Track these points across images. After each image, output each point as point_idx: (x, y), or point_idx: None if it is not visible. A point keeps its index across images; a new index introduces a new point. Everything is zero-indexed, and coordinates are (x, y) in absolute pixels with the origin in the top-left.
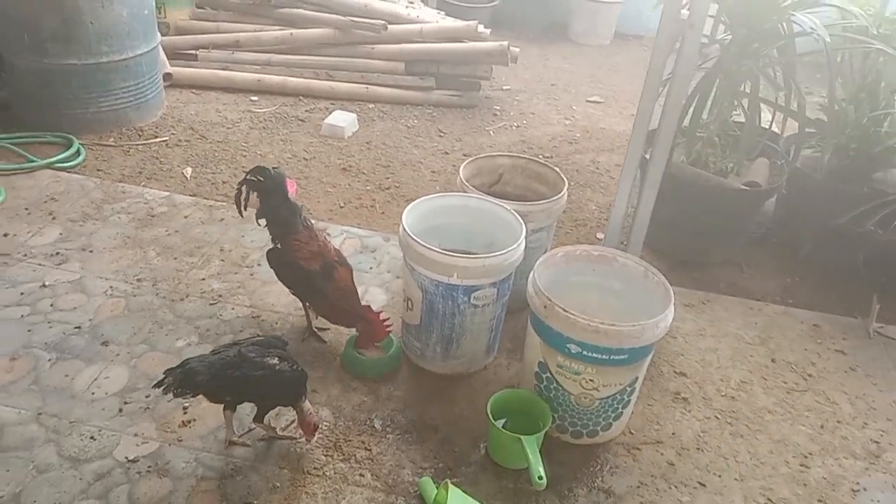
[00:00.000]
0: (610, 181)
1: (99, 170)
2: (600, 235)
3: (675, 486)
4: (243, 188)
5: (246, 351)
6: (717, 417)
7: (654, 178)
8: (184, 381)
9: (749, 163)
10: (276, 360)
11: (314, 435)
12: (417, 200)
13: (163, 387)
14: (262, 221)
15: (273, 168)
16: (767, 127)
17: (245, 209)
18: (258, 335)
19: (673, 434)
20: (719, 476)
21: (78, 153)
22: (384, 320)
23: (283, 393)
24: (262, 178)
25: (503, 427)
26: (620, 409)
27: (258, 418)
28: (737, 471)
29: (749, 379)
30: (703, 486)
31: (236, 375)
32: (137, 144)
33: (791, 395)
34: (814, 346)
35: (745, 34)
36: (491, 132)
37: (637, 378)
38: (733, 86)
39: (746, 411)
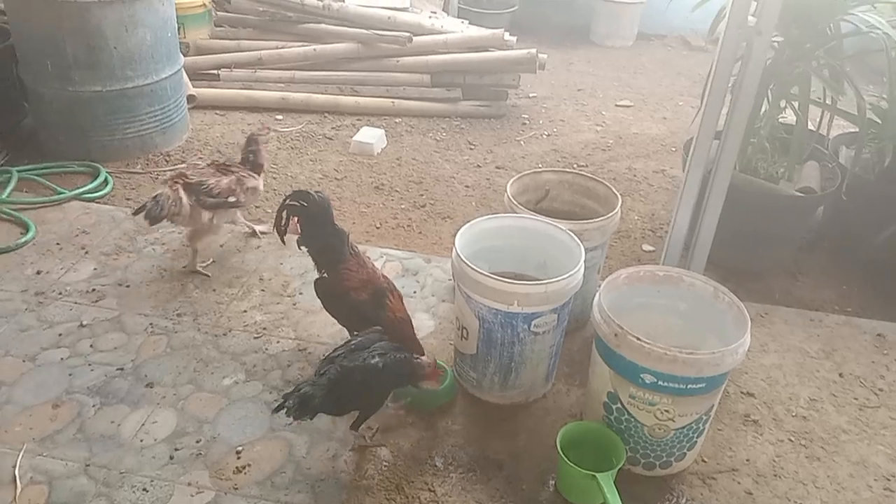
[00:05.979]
0: (649, 189)
1: (128, 198)
2: (647, 247)
3: None
4: (284, 214)
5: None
6: (791, 440)
7: (720, 189)
8: (301, 406)
9: (799, 167)
10: (376, 359)
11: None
12: (469, 223)
13: (282, 410)
14: (304, 248)
15: (316, 192)
16: (814, 130)
17: (285, 235)
18: (351, 340)
19: (747, 460)
20: None
21: (106, 182)
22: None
23: (399, 379)
24: (305, 203)
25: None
26: (695, 438)
27: (356, 426)
28: (818, 497)
29: (818, 396)
30: None
31: (353, 384)
32: (165, 170)
33: (864, 412)
34: (880, 358)
35: (798, 35)
36: (521, 142)
37: (713, 406)
38: (785, 88)
39: (820, 432)
